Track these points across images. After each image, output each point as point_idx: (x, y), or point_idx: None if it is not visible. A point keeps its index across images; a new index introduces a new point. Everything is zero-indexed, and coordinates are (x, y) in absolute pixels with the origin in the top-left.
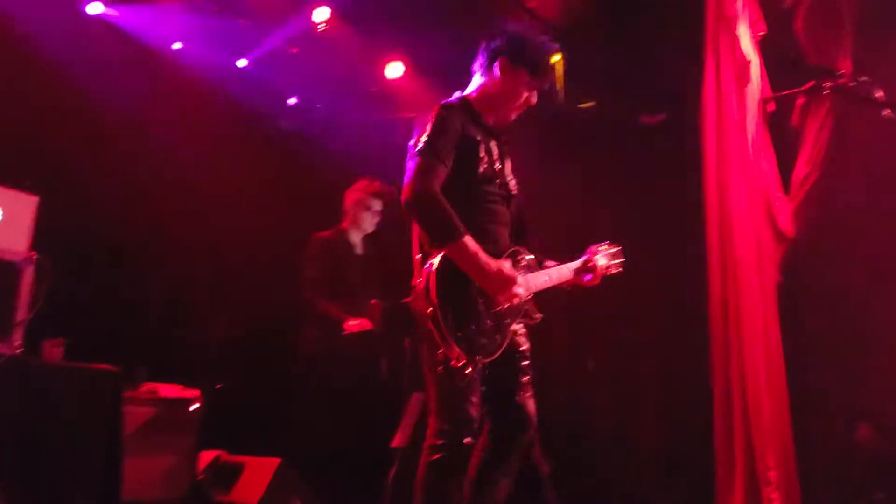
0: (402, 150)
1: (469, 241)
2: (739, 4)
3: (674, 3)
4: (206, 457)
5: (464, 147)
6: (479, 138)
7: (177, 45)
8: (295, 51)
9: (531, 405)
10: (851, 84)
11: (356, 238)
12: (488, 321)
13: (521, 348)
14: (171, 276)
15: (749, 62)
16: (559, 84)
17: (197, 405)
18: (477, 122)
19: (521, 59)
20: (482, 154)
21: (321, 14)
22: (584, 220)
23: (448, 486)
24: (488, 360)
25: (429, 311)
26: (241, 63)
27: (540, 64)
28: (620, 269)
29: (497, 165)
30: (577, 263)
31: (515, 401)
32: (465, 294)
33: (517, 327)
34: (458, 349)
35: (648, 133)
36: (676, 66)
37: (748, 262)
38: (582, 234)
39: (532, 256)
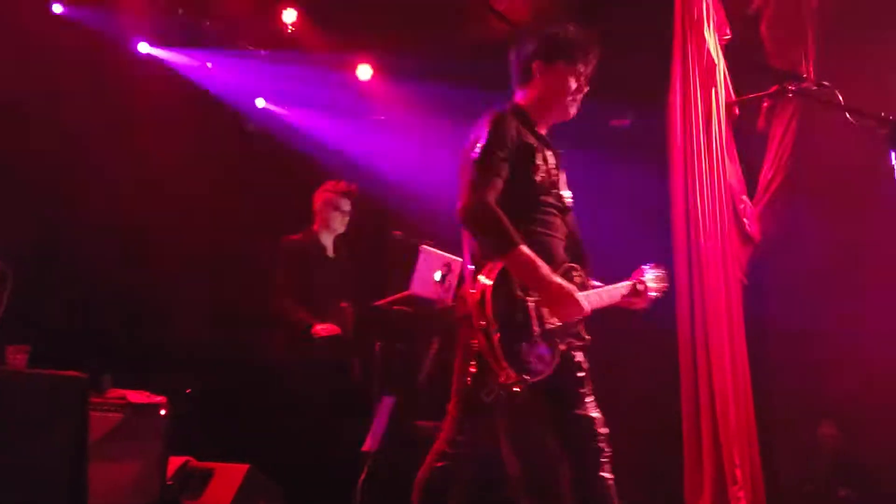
0: (370, 151)
1: (526, 250)
2: (706, 9)
3: (642, 7)
4: (175, 463)
5: (521, 154)
6: (535, 145)
7: (143, 46)
8: (264, 52)
9: (594, 413)
10: (814, 88)
11: (327, 240)
12: (539, 340)
13: (575, 360)
14: (138, 282)
15: (715, 66)
16: None
17: (165, 411)
18: (532, 130)
19: (554, 54)
20: (539, 162)
21: (289, 16)
22: None
23: (446, 494)
24: (535, 380)
25: (482, 324)
26: (210, 64)
27: (574, 50)
28: (662, 292)
29: (554, 175)
30: (627, 285)
31: (576, 414)
32: (520, 311)
33: (565, 348)
34: (508, 368)
35: (617, 136)
36: (644, 70)
37: (714, 264)
38: None
39: (583, 274)
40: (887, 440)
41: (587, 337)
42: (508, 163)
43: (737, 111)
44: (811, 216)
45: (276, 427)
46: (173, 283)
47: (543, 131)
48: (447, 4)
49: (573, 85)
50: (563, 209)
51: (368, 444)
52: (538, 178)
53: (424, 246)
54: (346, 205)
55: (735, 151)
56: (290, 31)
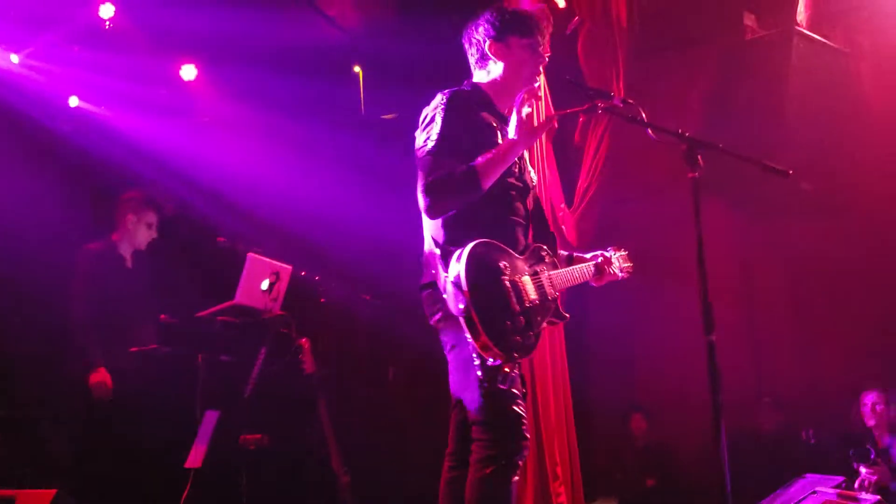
0: (194, 154)
1: (480, 160)
2: None
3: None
4: None
5: (478, 133)
6: (494, 125)
7: None
8: (77, 48)
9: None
10: (621, 105)
11: (126, 250)
12: (521, 318)
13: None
14: None
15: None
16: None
17: None
18: (491, 111)
19: (505, 31)
20: (498, 141)
21: (107, 10)
22: (381, 227)
23: (509, 493)
24: (525, 357)
25: (461, 306)
26: (14, 59)
27: (523, 22)
28: (629, 273)
29: None
30: (593, 265)
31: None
32: (497, 289)
33: (546, 326)
34: (494, 347)
35: None
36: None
37: None
38: (384, 242)
39: (552, 253)
40: (689, 432)
41: (566, 315)
42: (462, 144)
43: (555, 125)
44: (624, 223)
45: (89, 448)
46: None
47: (505, 110)
48: (279, 8)
49: (530, 59)
50: (523, 189)
51: (191, 461)
52: None
53: (251, 253)
54: (151, 217)
55: (554, 162)
56: (107, 26)
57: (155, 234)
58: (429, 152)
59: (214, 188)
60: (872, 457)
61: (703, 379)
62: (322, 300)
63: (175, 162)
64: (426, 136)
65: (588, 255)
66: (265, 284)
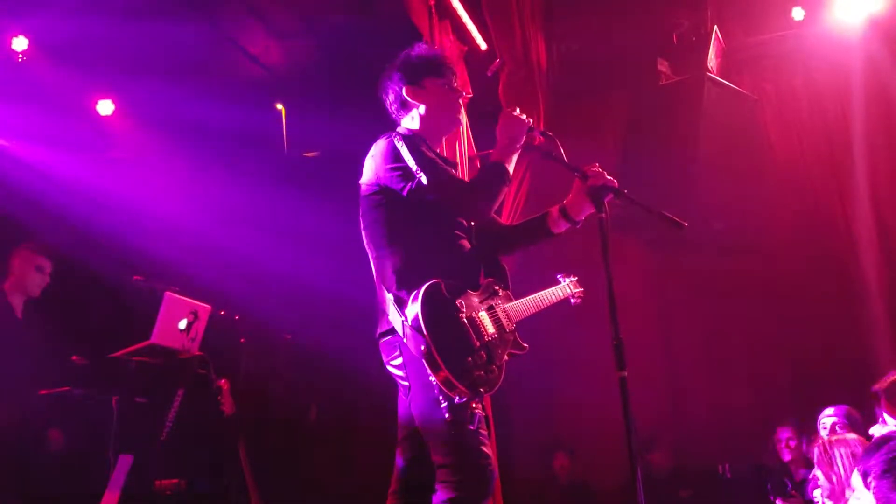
0: (109, 190)
1: (498, 166)
2: None
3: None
4: None
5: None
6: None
7: None
8: None
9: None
10: (542, 138)
11: (18, 300)
12: (482, 353)
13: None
14: None
15: (459, 122)
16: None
17: None
18: (431, 151)
19: (418, 74)
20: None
21: (20, 43)
22: (301, 266)
23: None
24: (490, 392)
25: (422, 348)
26: None
27: (432, 63)
28: (580, 298)
29: None
30: (556, 292)
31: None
32: (455, 327)
33: (507, 359)
34: (458, 384)
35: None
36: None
37: None
38: (305, 280)
39: (504, 286)
40: (611, 468)
41: (525, 346)
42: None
43: (478, 164)
44: (541, 260)
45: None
46: None
47: (437, 149)
48: (194, 46)
49: (449, 97)
50: (466, 228)
51: None
52: None
53: (169, 292)
54: (46, 266)
55: None
56: (20, 59)
57: (48, 279)
58: (432, 177)
59: (132, 225)
60: (789, 489)
61: (620, 415)
62: (242, 340)
63: (91, 198)
64: (404, 172)
65: (550, 289)
66: (183, 324)
